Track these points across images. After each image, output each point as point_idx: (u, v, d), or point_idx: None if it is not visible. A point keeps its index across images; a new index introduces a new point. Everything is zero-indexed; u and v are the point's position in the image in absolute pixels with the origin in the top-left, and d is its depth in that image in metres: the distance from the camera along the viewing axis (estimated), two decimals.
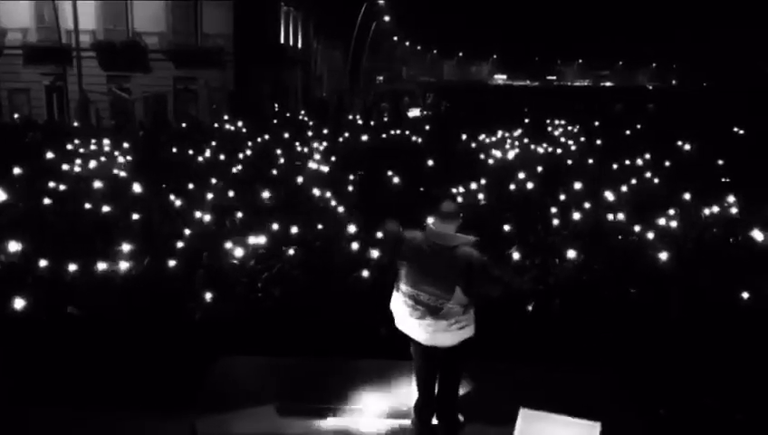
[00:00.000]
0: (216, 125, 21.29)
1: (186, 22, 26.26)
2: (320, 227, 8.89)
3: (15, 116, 23.55)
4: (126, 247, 7.51)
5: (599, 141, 19.38)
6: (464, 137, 19.30)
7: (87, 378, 5.48)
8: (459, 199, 10.76)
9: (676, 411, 5.06)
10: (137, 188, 10.83)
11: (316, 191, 11.10)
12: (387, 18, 53.73)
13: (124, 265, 7.17)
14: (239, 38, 26.40)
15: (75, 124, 22.38)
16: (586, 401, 3.68)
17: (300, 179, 12.10)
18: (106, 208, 9.47)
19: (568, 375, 4.49)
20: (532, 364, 4.76)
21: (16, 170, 11.58)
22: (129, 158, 14.25)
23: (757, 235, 8.54)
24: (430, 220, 4.54)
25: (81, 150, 15.26)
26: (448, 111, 34.86)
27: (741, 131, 23.09)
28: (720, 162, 15.49)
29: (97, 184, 10.96)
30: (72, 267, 6.95)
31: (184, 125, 21.74)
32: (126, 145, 16.05)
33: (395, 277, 4.50)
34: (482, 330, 4.33)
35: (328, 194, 10.85)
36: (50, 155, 13.77)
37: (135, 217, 9.20)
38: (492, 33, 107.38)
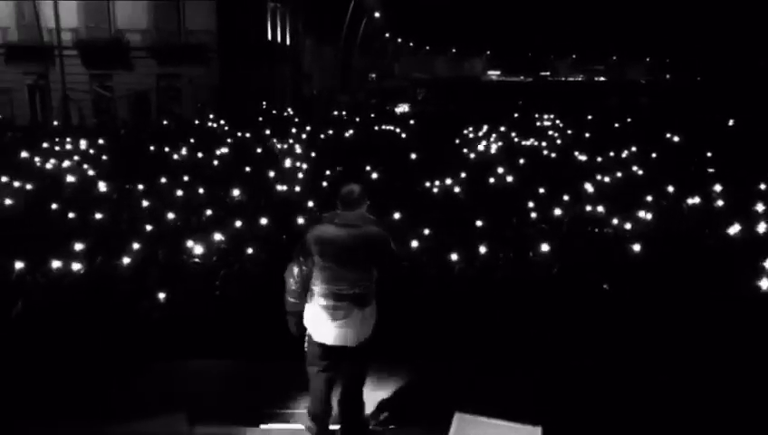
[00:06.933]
0: (197, 122, 20.95)
1: (168, 19, 25.90)
2: (289, 223, 8.61)
3: None
4: (78, 246, 7.22)
5: (587, 135, 19.13)
6: (450, 132, 19.04)
7: (27, 384, 5.17)
8: (434, 187, 10.52)
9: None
10: (102, 186, 10.59)
11: (283, 187, 10.84)
12: (377, 15, 53.30)
13: (76, 266, 6.88)
14: (224, 34, 26.05)
15: (55, 123, 22.07)
16: (525, 403, 3.40)
17: (271, 175, 11.84)
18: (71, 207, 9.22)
19: (505, 375, 4.19)
20: (469, 364, 4.44)
21: None
22: (104, 157, 13.94)
23: (735, 227, 8.26)
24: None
25: (57, 149, 14.97)
26: (434, 105, 34.58)
27: (731, 123, 22.85)
28: (708, 154, 15.24)
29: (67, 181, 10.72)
30: (19, 265, 6.65)
31: (165, 123, 21.43)
32: (101, 142, 15.77)
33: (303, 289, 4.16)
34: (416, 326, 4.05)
35: (298, 189, 10.59)
36: (24, 154, 13.55)
37: (98, 216, 8.92)
38: (485, 29, 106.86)
